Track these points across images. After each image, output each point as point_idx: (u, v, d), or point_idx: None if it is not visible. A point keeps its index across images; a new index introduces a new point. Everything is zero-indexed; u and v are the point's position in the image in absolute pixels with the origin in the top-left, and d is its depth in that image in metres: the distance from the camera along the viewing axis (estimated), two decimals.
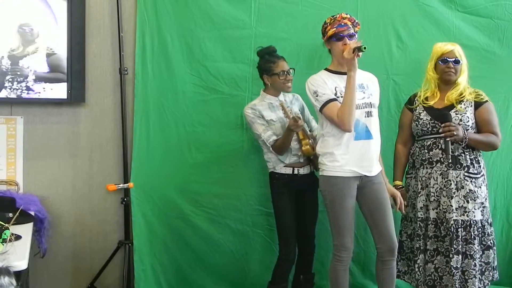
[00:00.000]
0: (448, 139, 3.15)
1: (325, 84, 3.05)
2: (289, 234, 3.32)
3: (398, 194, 3.28)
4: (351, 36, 3.02)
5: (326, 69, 3.14)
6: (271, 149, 3.28)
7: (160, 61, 3.53)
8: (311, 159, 3.36)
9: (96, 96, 3.53)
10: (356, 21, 3.11)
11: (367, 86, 3.12)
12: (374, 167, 3.07)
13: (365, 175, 3.04)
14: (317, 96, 3.04)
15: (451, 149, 3.18)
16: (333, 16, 3.10)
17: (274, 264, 3.38)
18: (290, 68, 3.33)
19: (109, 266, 3.49)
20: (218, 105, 3.60)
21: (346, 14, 3.10)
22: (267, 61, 3.34)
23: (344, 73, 3.00)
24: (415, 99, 3.42)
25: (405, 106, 3.47)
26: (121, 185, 3.48)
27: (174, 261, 3.62)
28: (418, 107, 3.37)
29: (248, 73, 3.58)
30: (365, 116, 3.04)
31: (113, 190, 3.46)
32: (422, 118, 3.31)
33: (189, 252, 3.63)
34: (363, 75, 3.13)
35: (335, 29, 3.02)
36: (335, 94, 3.02)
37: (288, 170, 3.32)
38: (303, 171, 3.35)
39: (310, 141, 3.29)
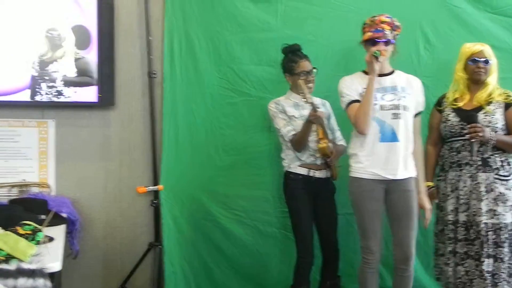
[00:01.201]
0: (473, 140, 3.12)
1: (352, 85, 3.07)
2: (306, 234, 3.31)
3: (427, 208, 3.22)
4: (386, 43, 3.03)
5: (363, 71, 3.16)
6: (289, 144, 3.27)
7: (188, 64, 3.56)
8: (329, 166, 3.34)
9: (125, 99, 3.57)
10: (396, 24, 3.11)
11: (402, 88, 3.11)
12: (399, 171, 3.04)
13: (393, 180, 3.02)
14: (342, 97, 3.09)
15: (478, 150, 3.15)
16: (373, 18, 3.10)
17: None
18: (313, 68, 3.32)
19: (140, 268, 3.52)
20: (246, 107, 3.61)
21: (387, 17, 3.10)
22: (289, 60, 3.35)
23: (381, 75, 3.02)
24: (444, 101, 3.39)
25: (434, 108, 3.44)
26: (151, 187, 3.52)
27: (203, 262, 3.64)
28: (446, 109, 3.33)
29: (274, 75, 3.57)
30: (391, 118, 3.03)
31: (143, 192, 3.49)
32: (450, 120, 3.28)
33: (218, 254, 3.65)
34: (402, 78, 3.14)
35: (371, 33, 3.04)
36: (362, 96, 3.03)
37: (303, 171, 3.31)
38: (319, 174, 3.32)
39: (330, 143, 3.27)
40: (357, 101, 3.03)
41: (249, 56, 3.61)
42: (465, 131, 3.17)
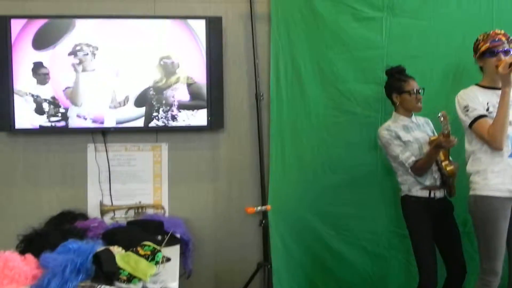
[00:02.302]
0: None
1: (477, 99, 2.95)
2: (429, 259, 3.18)
3: None
4: (506, 52, 2.92)
5: (477, 84, 3.05)
6: (409, 170, 3.20)
7: (294, 85, 3.60)
8: (446, 183, 3.24)
9: (233, 121, 3.67)
10: (511, 38, 3.00)
11: None
12: None
13: None
14: (467, 111, 2.95)
15: None
16: (486, 33, 3.02)
17: None
18: (420, 88, 3.26)
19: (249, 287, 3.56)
20: (351, 126, 3.60)
21: (501, 30, 3.01)
22: (397, 79, 3.30)
23: (498, 88, 2.90)
24: None
25: None
26: (259, 207, 3.54)
27: (312, 283, 3.63)
28: None
29: (380, 93, 3.52)
30: None
31: (252, 212, 3.52)
32: None
33: (326, 274, 3.63)
34: None
35: (488, 44, 2.95)
36: (487, 110, 2.92)
37: (425, 193, 3.21)
38: (439, 194, 3.23)
39: (452, 163, 3.19)
40: (485, 115, 2.92)
41: (354, 74, 3.60)
42: None
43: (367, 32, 3.60)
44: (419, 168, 3.16)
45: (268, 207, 3.54)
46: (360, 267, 3.62)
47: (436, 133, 3.36)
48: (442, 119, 2.98)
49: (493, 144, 2.86)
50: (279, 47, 3.59)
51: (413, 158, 3.17)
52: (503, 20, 3.50)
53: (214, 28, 3.53)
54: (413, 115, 3.32)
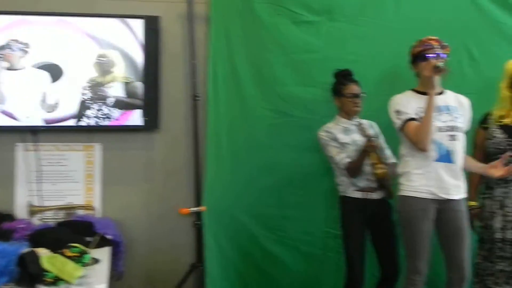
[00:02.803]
0: None
1: (408, 103, 3.04)
2: (356, 258, 3.27)
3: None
4: (437, 57, 3.00)
5: (413, 90, 3.13)
6: (344, 171, 3.27)
7: (232, 86, 3.59)
8: (384, 186, 3.31)
9: (169, 122, 3.62)
10: (444, 44, 3.08)
11: (455, 108, 3.07)
12: (453, 191, 3.00)
13: (445, 199, 2.97)
14: (398, 115, 3.04)
15: None
16: (420, 39, 3.09)
17: None
18: (362, 93, 3.32)
19: None
20: (289, 128, 3.61)
21: (434, 36, 3.09)
22: (339, 83, 3.36)
23: None
24: (489, 118, 3.35)
25: (478, 126, 3.39)
26: (194, 208, 3.53)
27: (245, 284, 3.63)
28: (492, 126, 3.30)
29: (318, 96, 3.57)
30: (448, 140, 2.99)
31: (186, 213, 3.51)
32: (496, 137, 3.24)
33: (260, 275, 3.63)
34: (452, 97, 3.11)
35: (420, 49, 3.04)
36: (417, 114, 3.00)
37: (359, 195, 3.28)
38: (375, 196, 3.30)
39: (385, 166, 3.25)
40: (414, 119, 3.00)
41: (292, 77, 3.62)
42: None
43: (306, 36, 3.62)
44: (351, 170, 3.23)
45: (203, 208, 3.53)
46: (295, 268, 3.64)
47: (381, 135, 3.45)
48: (358, 128, 3.15)
49: (419, 146, 2.94)
50: (217, 48, 3.57)
51: (347, 160, 3.23)
52: (440, 27, 3.56)
53: (152, 27, 3.49)
54: (356, 118, 3.36)
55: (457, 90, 3.39)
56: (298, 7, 3.61)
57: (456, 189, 3.01)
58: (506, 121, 3.26)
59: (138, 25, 3.47)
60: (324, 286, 3.65)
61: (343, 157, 3.25)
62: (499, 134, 3.24)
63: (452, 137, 3.00)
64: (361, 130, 3.23)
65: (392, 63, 3.52)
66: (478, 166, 3.16)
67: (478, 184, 3.38)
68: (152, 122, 3.53)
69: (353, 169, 3.23)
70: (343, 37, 3.64)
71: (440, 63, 2.93)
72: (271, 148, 3.62)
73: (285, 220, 3.64)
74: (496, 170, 3.06)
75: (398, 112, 3.05)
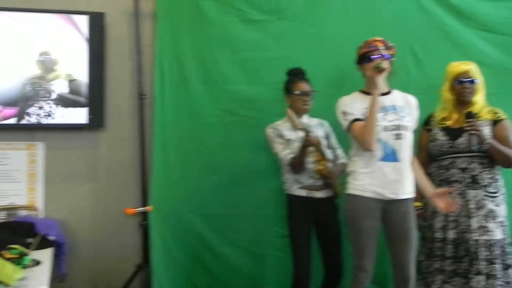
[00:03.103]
0: (472, 132, 3.11)
1: (354, 104, 3.05)
2: (302, 255, 3.27)
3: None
4: (381, 58, 3.02)
5: (360, 91, 3.15)
6: (288, 168, 3.27)
7: (179, 85, 3.57)
8: (330, 184, 3.32)
9: (115, 121, 3.58)
10: (390, 44, 3.10)
11: (401, 108, 3.09)
12: (399, 191, 3.00)
13: (392, 199, 2.99)
14: (344, 115, 3.06)
15: (477, 143, 3.13)
16: (366, 40, 3.12)
17: None
18: (312, 91, 3.34)
19: None
20: (237, 127, 3.60)
21: (379, 37, 3.11)
22: (289, 81, 3.37)
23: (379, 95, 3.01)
24: (432, 120, 3.40)
25: (422, 127, 3.44)
26: (140, 208, 3.50)
27: (193, 284, 3.60)
28: (435, 128, 3.35)
29: (266, 95, 3.58)
30: (394, 139, 3.00)
31: (132, 213, 3.48)
32: (439, 139, 3.29)
33: (207, 275, 3.61)
34: (399, 97, 3.13)
35: (364, 50, 3.06)
36: (364, 115, 3.02)
37: (303, 192, 3.29)
38: (320, 194, 3.31)
39: (328, 164, 3.27)
40: (360, 119, 3.02)
41: (240, 76, 3.62)
42: (464, 125, 3.16)
43: (254, 34, 3.63)
44: (294, 165, 3.23)
45: (149, 208, 3.49)
46: (244, 268, 3.63)
47: (332, 136, 3.46)
48: (289, 116, 3.15)
49: (364, 145, 2.96)
50: (164, 46, 3.55)
51: (291, 155, 3.24)
52: (387, 28, 3.63)
53: (97, 24, 3.46)
54: (306, 116, 3.38)
55: (404, 90, 3.43)
56: (246, 5, 3.62)
57: (402, 188, 3.01)
58: (448, 123, 3.31)
59: (82, 21, 3.42)
60: (273, 286, 3.64)
61: (287, 153, 3.26)
62: (441, 137, 3.29)
63: (398, 136, 3.01)
64: (291, 119, 3.21)
65: (340, 63, 3.54)
66: (425, 187, 3.15)
67: None
68: (97, 120, 3.48)
69: (296, 165, 3.23)
70: (291, 36, 3.66)
71: (379, 63, 2.95)
72: (219, 147, 3.61)
73: (234, 220, 3.62)
74: (439, 201, 3.08)
75: (344, 113, 3.07)
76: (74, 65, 3.42)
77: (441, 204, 3.08)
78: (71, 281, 3.42)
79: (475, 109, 3.26)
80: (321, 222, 3.33)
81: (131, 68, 3.59)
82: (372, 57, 3.04)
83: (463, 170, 3.20)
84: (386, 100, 3.08)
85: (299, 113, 3.35)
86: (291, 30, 3.66)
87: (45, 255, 2.87)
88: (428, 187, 3.14)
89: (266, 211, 3.62)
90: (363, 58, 3.09)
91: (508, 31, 3.77)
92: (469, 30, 3.75)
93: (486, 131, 3.21)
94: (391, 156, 3.00)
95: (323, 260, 3.37)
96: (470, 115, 3.17)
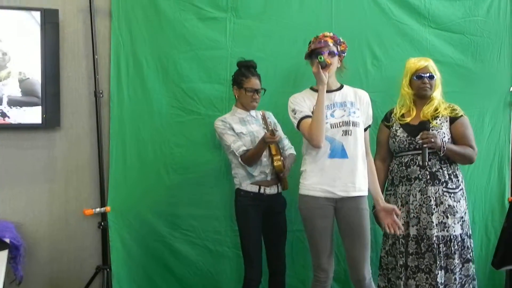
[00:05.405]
0: (425, 145, 3.14)
1: (303, 102, 3.04)
2: (253, 253, 3.25)
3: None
4: (330, 54, 3.01)
5: (311, 88, 3.14)
6: (239, 160, 3.22)
7: (136, 83, 3.53)
8: (280, 179, 3.33)
9: (71, 119, 3.51)
10: (341, 40, 3.10)
11: (352, 104, 3.07)
12: (349, 188, 2.97)
13: (342, 197, 2.97)
14: (294, 113, 3.03)
15: (429, 160, 3.17)
16: (317, 36, 3.10)
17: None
18: (261, 88, 3.32)
19: None
20: (195, 126, 3.59)
21: (330, 33, 3.09)
22: (240, 73, 3.33)
23: (328, 91, 3.00)
24: (391, 116, 3.43)
25: (382, 123, 3.48)
26: (98, 209, 3.45)
27: (153, 285, 3.57)
28: (394, 124, 3.38)
29: (224, 93, 3.58)
30: (342, 135, 2.98)
31: (90, 214, 3.43)
32: (398, 135, 3.32)
33: (168, 276, 3.59)
34: (350, 92, 3.12)
35: (313, 46, 3.04)
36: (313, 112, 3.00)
37: (254, 188, 3.26)
38: (270, 190, 3.29)
39: (282, 158, 3.27)
40: (309, 116, 2.99)
41: (198, 74, 3.59)
42: (418, 137, 3.19)
43: (211, 32, 3.61)
44: (248, 158, 3.21)
45: (108, 208, 3.46)
46: (204, 266, 3.63)
47: (278, 125, 3.45)
48: (262, 119, 3.16)
49: (312, 142, 2.94)
50: (120, 44, 3.50)
51: (244, 148, 3.22)
52: (344, 27, 3.66)
53: (50, 21, 3.37)
54: (254, 111, 3.37)
55: (362, 88, 3.48)
56: (203, 2, 3.59)
57: (352, 186, 2.99)
58: (407, 119, 3.34)
59: (35, 18, 3.33)
60: (231, 283, 3.64)
61: (240, 145, 3.22)
62: (401, 133, 3.32)
63: (346, 133, 2.99)
64: (264, 120, 3.23)
65: (297, 60, 3.50)
66: (377, 198, 3.11)
67: (384, 181, 3.43)
68: (52, 119, 3.40)
69: (250, 158, 3.20)
70: (248, 34, 3.65)
71: (321, 57, 2.91)
72: (178, 146, 3.59)
73: (193, 219, 3.61)
74: (386, 217, 3.06)
75: (294, 111, 3.05)
76: (28, 62, 3.33)
77: (386, 220, 3.06)
78: (29, 284, 3.36)
79: (433, 105, 3.30)
80: (268, 218, 3.32)
81: (87, 66, 3.52)
82: (322, 52, 2.99)
83: (423, 166, 3.23)
84: (335, 96, 3.07)
85: (246, 108, 3.34)
86: (248, 28, 3.66)
87: (0, 258, 2.81)
88: (379, 199, 3.11)
89: (225, 209, 3.61)
90: (312, 54, 3.06)
91: (464, 30, 3.84)
92: (425, 29, 3.81)
93: (444, 129, 3.26)
94: (340, 152, 2.97)
95: (267, 255, 3.35)
96: (424, 126, 3.20)
